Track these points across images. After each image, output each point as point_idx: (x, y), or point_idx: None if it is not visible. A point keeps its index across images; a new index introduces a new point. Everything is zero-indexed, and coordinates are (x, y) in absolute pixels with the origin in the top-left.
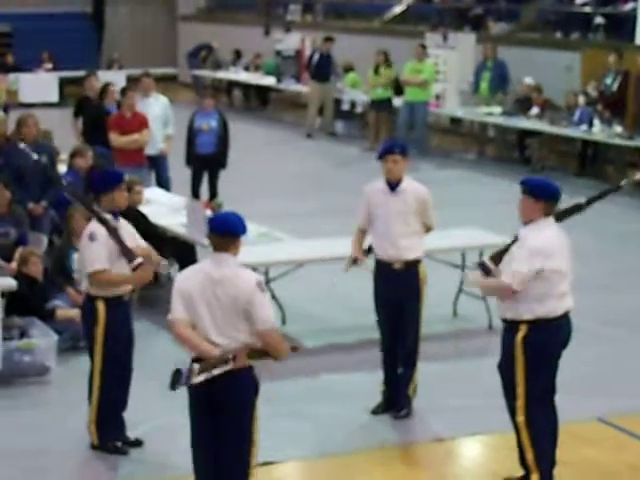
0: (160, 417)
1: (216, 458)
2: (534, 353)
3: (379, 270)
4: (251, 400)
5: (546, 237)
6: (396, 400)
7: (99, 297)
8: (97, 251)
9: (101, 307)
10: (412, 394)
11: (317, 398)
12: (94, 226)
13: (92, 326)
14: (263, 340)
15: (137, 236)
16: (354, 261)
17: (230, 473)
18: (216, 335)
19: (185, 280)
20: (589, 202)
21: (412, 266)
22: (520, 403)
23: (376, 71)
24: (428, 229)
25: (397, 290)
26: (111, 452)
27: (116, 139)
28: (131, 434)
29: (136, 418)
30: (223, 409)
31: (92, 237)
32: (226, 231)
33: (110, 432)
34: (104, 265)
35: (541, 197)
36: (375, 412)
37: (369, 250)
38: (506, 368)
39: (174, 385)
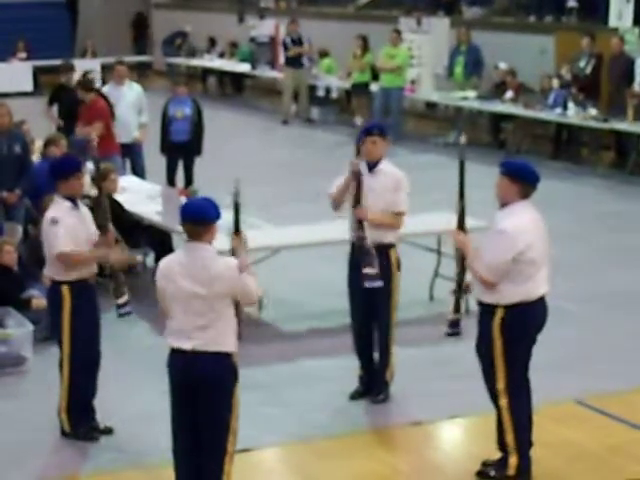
0: (138, 404)
1: (195, 445)
2: (512, 336)
3: (352, 254)
4: (230, 387)
5: (520, 222)
6: (373, 385)
7: (63, 282)
8: (60, 234)
9: (66, 292)
10: (389, 379)
11: (295, 383)
12: (54, 211)
13: (58, 312)
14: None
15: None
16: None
17: (209, 460)
18: (188, 327)
19: (160, 273)
20: None
21: (384, 250)
22: (501, 386)
23: (355, 55)
24: (399, 214)
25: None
26: (82, 438)
27: (79, 130)
28: (108, 422)
29: (114, 406)
30: (202, 396)
31: (53, 221)
32: (199, 219)
33: (81, 418)
34: (69, 246)
35: (517, 179)
36: (353, 397)
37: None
38: (485, 352)
39: None
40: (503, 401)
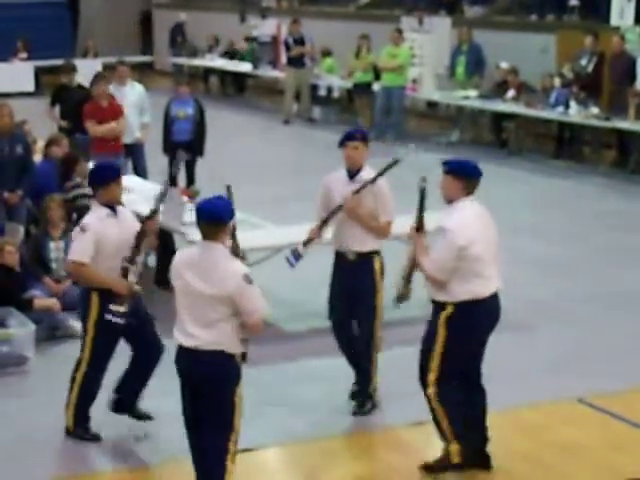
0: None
1: (198, 442)
2: (457, 332)
3: (336, 261)
4: (231, 387)
5: (463, 218)
6: (359, 392)
7: (94, 289)
8: (81, 243)
9: (95, 299)
10: (373, 392)
11: (297, 383)
12: (90, 217)
13: (85, 317)
14: (249, 330)
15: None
16: (308, 241)
17: (209, 457)
18: (192, 325)
19: (172, 268)
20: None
21: (366, 258)
22: (432, 377)
23: (357, 55)
24: (387, 223)
25: (350, 282)
26: (85, 439)
27: (93, 128)
28: (110, 421)
29: None
30: (203, 395)
31: (82, 228)
32: (213, 219)
33: (86, 419)
34: (85, 259)
35: (460, 176)
36: (353, 397)
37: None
38: (426, 342)
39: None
40: (430, 390)
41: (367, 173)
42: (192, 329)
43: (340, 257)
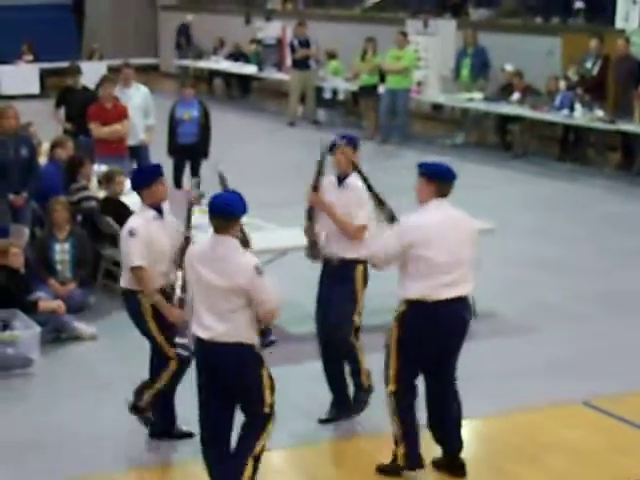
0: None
1: (215, 441)
2: (406, 332)
3: (323, 265)
4: (256, 374)
5: (424, 219)
6: (345, 404)
7: (139, 291)
8: (134, 247)
9: (146, 306)
10: (366, 381)
11: (301, 385)
12: (135, 220)
13: (142, 322)
14: (263, 320)
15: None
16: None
17: (230, 457)
18: (207, 317)
19: (186, 261)
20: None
21: (349, 266)
22: (391, 388)
23: (363, 58)
24: (360, 228)
25: (331, 287)
26: (142, 413)
27: (97, 130)
28: (111, 422)
29: (118, 405)
30: (223, 388)
31: (132, 233)
32: (226, 213)
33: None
34: (142, 262)
35: (433, 179)
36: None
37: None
38: (386, 340)
39: None
40: (390, 387)
41: (354, 179)
42: (208, 321)
43: (325, 261)
